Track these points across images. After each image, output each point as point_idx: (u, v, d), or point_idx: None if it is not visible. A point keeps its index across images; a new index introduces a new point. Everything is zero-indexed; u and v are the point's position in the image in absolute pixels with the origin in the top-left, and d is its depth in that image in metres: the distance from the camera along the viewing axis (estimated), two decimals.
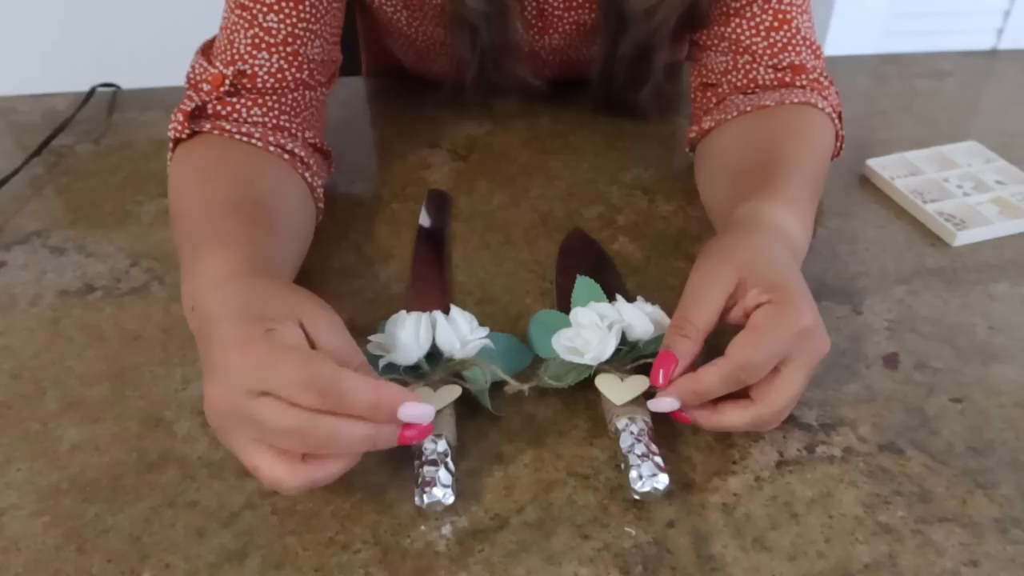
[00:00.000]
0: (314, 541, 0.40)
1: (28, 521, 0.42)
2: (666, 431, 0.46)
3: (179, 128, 0.58)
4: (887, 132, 0.76)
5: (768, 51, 0.64)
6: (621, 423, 0.43)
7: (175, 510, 0.42)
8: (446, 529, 0.41)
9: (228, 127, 0.57)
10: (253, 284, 0.43)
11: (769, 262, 0.45)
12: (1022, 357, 0.51)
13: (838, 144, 0.65)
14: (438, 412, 0.44)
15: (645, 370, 0.46)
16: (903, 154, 0.70)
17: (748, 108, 0.62)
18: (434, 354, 0.47)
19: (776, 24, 0.63)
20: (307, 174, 0.58)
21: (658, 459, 0.41)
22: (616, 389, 0.45)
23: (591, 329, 0.47)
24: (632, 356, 0.47)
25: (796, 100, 0.61)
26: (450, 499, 0.40)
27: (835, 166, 0.71)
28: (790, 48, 0.63)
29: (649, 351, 0.47)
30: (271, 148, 0.57)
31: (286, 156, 0.58)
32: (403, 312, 0.48)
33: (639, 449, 0.42)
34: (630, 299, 0.51)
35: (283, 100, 0.60)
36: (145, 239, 0.63)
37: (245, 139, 0.57)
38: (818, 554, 0.40)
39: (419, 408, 0.38)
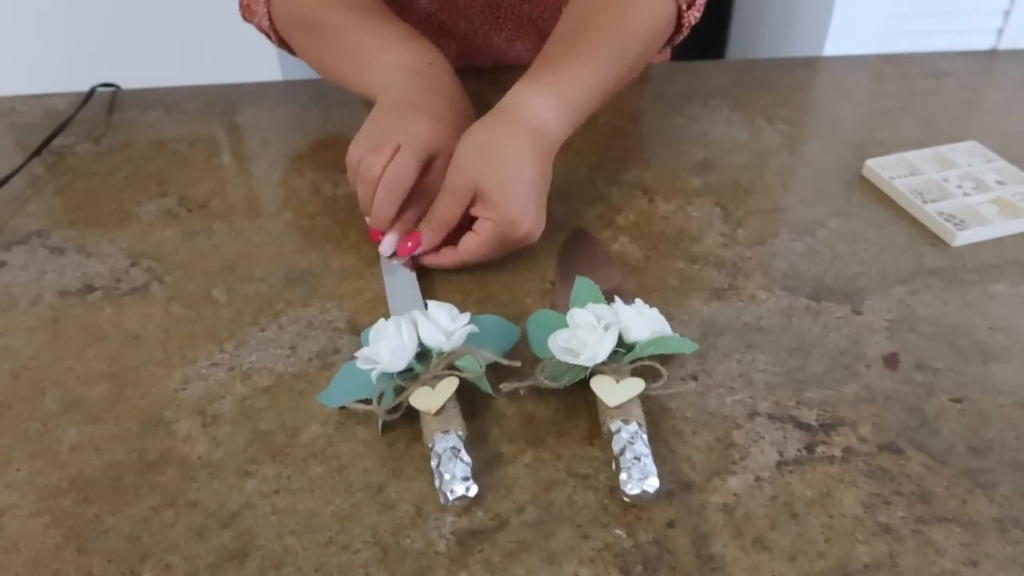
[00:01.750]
0: (314, 541, 0.40)
1: (28, 521, 0.42)
2: (666, 431, 0.46)
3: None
4: (887, 132, 0.76)
5: None
6: (614, 425, 0.43)
7: (175, 510, 0.42)
8: (446, 529, 0.41)
9: None
10: (435, 79, 0.62)
11: (496, 175, 0.55)
12: (1022, 357, 0.51)
13: (680, 24, 0.67)
14: (442, 408, 0.44)
15: (643, 372, 0.46)
16: (903, 154, 0.70)
17: None
18: (423, 352, 0.47)
19: None
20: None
21: (649, 461, 0.41)
22: (610, 391, 0.45)
23: (587, 330, 0.47)
24: (629, 358, 0.47)
25: None
26: (473, 490, 0.40)
27: (835, 166, 0.71)
28: None
29: (647, 353, 0.47)
30: None
31: None
32: (382, 321, 0.48)
33: (630, 452, 0.42)
34: (629, 300, 0.51)
35: None
36: (145, 239, 0.63)
37: None
38: (818, 554, 0.40)
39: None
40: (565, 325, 0.48)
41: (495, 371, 0.48)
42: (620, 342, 0.47)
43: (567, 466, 0.44)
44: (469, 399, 0.47)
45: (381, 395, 0.46)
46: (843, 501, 0.42)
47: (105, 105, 0.83)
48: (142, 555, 0.40)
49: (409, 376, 0.47)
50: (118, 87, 0.86)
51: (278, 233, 0.63)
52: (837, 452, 0.45)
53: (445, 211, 0.56)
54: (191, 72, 0.89)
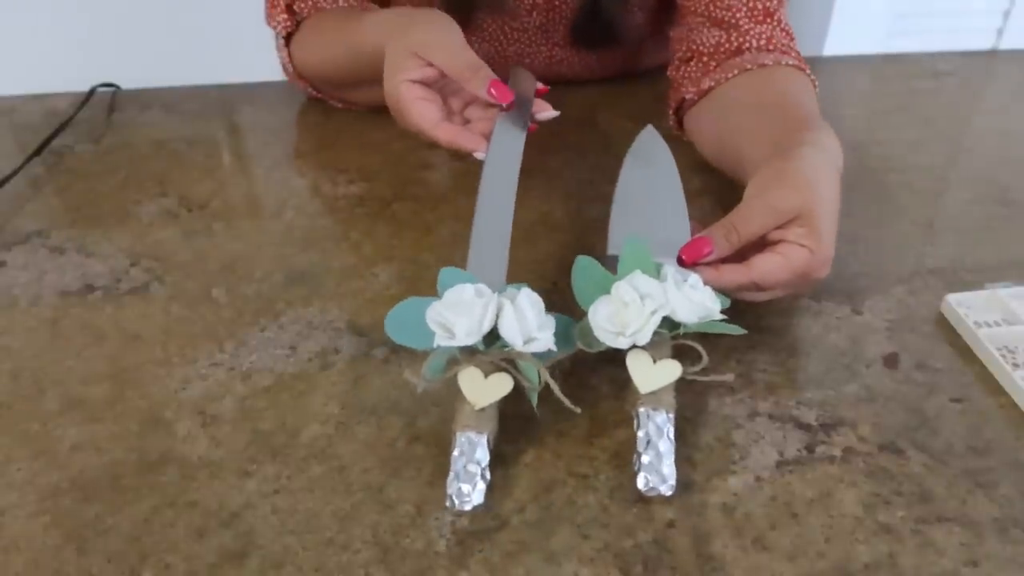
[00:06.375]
0: (314, 541, 0.40)
1: (28, 521, 0.42)
2: None
3: (288, 23, 0.75)
4: (887, 132, 0.76)
5: (756, 31, 0.69)
6: (642, 410, 0.43)
7: (175, 510, 0.42)
8: (446, 529, 0.41)
9: (320, 5, 0.74)
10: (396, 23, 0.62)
11: (824, 207, 0.49)
12: None
13: None
14: (483, 409, 0.42)
15: (681, 353, 0.45)
16: (995, 290, 0.55)
17: (749, 66, 0.67)
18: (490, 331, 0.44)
19: (762, 16, 0.69)
20: None
21: (669, 463, 0.41)
22: (645, 374, 0.44)
23: (632, 310, 0.44)
24: (672, 335, 0.46)
25: (790, 63, 0.67)
26: (480, 508, 0.40)
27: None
28: (775, 38, 0.69)
29: (690, 331, 0.46)
30: (353, 2, 0.74)
31: (365, 6, 0.73)
32: (468, 288, 0.44)
33: (652, 448, 0.41)
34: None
35: None
36: (145, 239, 0.63)
37: (335, 3, 0.74)
38: (818, 554, 0.39)
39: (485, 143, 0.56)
40: (608, 283, 0.46)
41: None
42: (664, 320, 0.45)
43: (567, 466, 0.44)
44: None
45: (432, 360, 0.44)
46: (843, 501, 0.42)
47: (105, 105, 0.83)
48: (142, 555, 0.40)
49: (466, 350, 0.43)
50: (118, 87, 0.87)
51: (278, 233, 0.63)
52: (837, 452, 0.45)
53: (755, 226, 0.48)
54: (191, 72, 0.89)
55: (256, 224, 0.65)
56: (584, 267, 0.48)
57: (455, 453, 0.41)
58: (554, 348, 0.44)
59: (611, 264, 0.48)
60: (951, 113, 0.80)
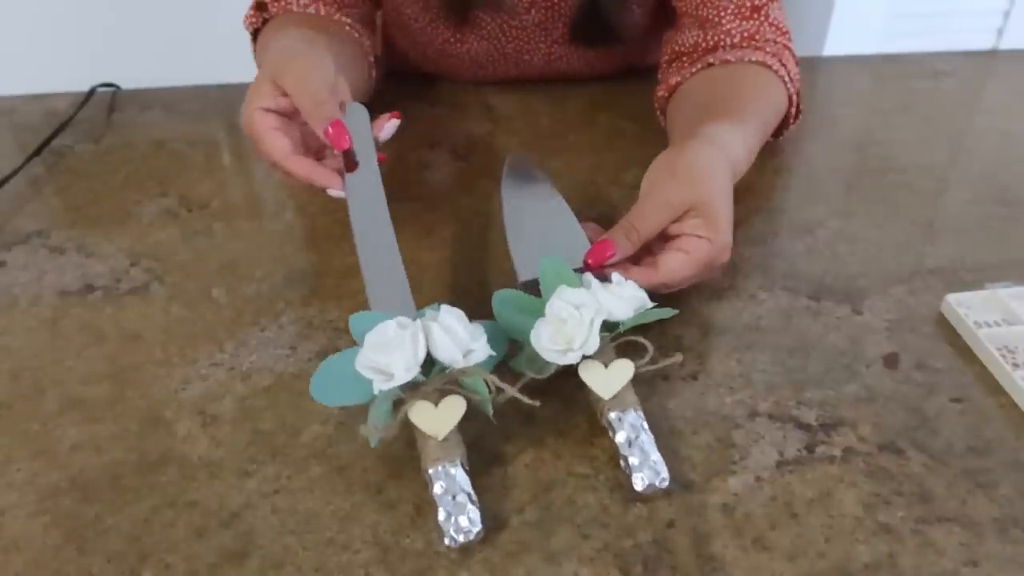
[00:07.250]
0: (314, 541, 0.40)
1: (28, 521, 0.42)
2: (666, 431, 0.46)
3: (254, 20, 0.73)
4: (887, 132, 0.77)
5: (738, 28, 0.70)
6: (613, 415, 0.43)
7: (175, 510, 0.42)
8: None
9: (290, 7, 0.71)
10: (273, 57, 0.58)
11: (717, 196, 0.51)
12: None
13: (793, 110, 0.70)
14: (447, 437, 0.41)
15: (627, 350, 0.45)
16: (995, 289, 0.55)
17: (712, 61, 0.69)
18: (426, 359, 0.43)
19: (749, 12, 0.70)
20: (354, 33, 0.72)
21: (657, 456, 0.41)
22: (602, 381, 0.44)
23: (572, 324, 0.44)
24: (611, 336, 0.46)
25: (755, 60, 0.67)
26: (481, 533, 0.39)
27: (835, 166, 0.71)
28: (759, 34, 0.70)
29: (627, 328, 0.46)
30: (322, 12, 0.71)
31: (335, 17, 0.72)
32: (390, 325, 0.43)
33: (636, 446, 0.42)
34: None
35: None
36: (145, 239, 0.63)
37: (306, 9, 0.71)
38: (818, 554, 0.39)
39: (336, 178, 0.55)
40: (539, 308, 0.46)
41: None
42: (602, 324, 0.45)
43: (567, 466, 0.44)
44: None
45: (376, 408, 0.42)
46: (843, 501, 0.42)
47: (105, 105, 0.83)
48: (142, 555, 0.40)
49: (409, 385, 0.42)
50: (118, 87, 0.87)
51: (278, 233, 0.63)
52: (837, 452, 0.45)
53: (653, 223, 0.50)
54: (191, 72, 0.89)
55: (256, 224, 0.65)
56: (505, 299, 0.48)
57: (437, 491, 0.40)
58: (494, 352, 0.44)
59: (529, 291, 0.48)
60: (951, 113, 0.80)
